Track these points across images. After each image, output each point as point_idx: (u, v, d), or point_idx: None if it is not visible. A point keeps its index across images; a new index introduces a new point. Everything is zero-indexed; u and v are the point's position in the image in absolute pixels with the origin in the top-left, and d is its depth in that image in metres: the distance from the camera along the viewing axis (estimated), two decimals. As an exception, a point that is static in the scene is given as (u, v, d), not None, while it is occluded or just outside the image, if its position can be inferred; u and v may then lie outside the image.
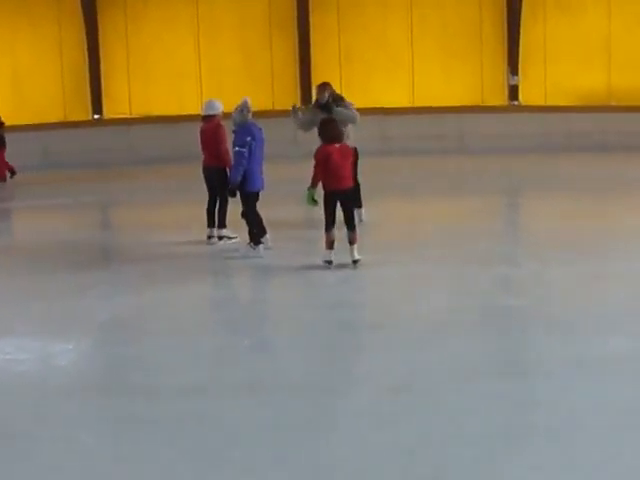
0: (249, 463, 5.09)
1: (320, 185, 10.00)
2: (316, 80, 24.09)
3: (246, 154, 10.76)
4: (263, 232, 10.91)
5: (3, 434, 5.84)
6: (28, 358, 7.54)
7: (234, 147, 10.85)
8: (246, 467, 5.05)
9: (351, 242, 9.95)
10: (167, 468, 5.11)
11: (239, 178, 10.74)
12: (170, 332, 8.03)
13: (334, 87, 13.04)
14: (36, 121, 25.01)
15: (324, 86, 12.77)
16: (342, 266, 9.91)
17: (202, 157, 12.12)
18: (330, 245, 9.94)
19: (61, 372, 7.07)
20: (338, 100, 12.58)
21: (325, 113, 11.88)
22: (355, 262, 9.91)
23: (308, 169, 10.10)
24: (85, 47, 25.33)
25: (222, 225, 11.82)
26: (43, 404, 6.34)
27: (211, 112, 12.04)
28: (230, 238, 11.70)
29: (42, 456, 5.42)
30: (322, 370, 6.83)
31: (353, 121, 12.36)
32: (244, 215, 10.96)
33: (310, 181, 10.01)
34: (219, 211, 11.81)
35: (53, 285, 10.10)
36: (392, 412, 5.78)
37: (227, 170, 11.46)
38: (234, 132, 10.99)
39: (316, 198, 10.03)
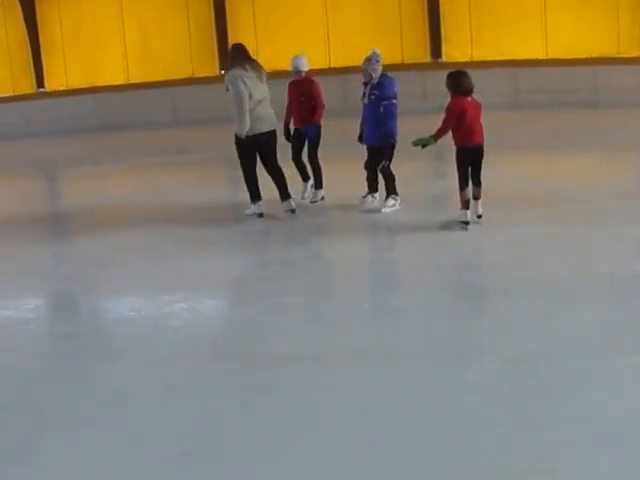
0: (360, 436, 4.89)
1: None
2: (446, 34, 23.63)
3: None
4: (395, 190, 10.79)
5: (111, 394, 5.82)
6: (142, 318, 7.53)
7: (381, 100, 10.64)
8: (358, 440, 4.85)
9: (476, 197, 9.74)
10: (277, 439, 4.96)
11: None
12: (286, 294, 7.92)
13: (241, 49, 10.99)
14: (164, 78, 25.20)
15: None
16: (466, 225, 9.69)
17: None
18: (466, 204, 9.67)
19: (173, 334, 7.00)
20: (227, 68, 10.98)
21: None
22: (479, 217, 9.73)
23: (437, 124, 9.77)
24: (211, 3, 25.34)
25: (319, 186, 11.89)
26: (152, 366, 6.30)
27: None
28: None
29: (145, 419, 5.38)
30: (442, 337, 6.54)
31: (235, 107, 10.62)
32: (382, 168, 10.79)
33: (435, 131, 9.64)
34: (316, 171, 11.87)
35: (172, 242, 10.10)
36: (512, 385, 5.48)
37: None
38: (365, 84, 10.88)
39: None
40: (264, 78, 10.93)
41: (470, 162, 9.63)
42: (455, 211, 9.81)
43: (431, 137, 9.59)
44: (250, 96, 10.59)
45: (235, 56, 10.91)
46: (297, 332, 6.87)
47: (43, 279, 9.32)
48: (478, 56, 23.35)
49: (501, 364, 5.83)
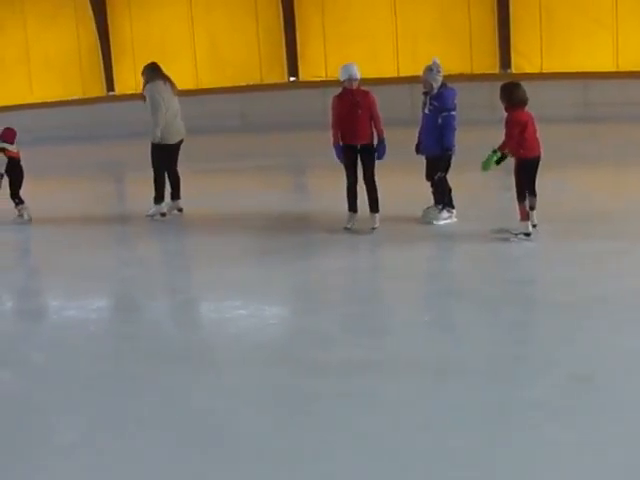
0: (421, 451, 4.81)
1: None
2: (516, 43, 23.41)
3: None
4: (451, 203, 10.68)
5: (166, 397, 5.83)
6: (202, 323, 7.54)
7: (440, 111, 10.47)
8: (417, 455, 4.76)
9: (532, 208, 9.64)
10: (331, 450, 4.89)
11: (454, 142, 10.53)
12: (347, 304, 7.87)
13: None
14: (233, 84, 25.33)
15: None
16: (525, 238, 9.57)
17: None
18: (527, 216, 9.56)
19: (233, 340, 6.99)
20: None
21: None
22: (534, 226, 9.63)
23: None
24: (280, 11, 25.41)
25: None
26: (209, 371, 6.31)
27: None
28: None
29: (196, 422, 5.37)
30: (502, 353, 6.42)
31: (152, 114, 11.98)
32: (437, 179, 10.64)
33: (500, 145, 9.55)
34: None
35: (235, 248, 10.12)
36: (573, 404, 5.33)
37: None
38: (425, 94, 10.72)
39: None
40: (176, 92, 12.46)
41: (531, 174, 9.54)
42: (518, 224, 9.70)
43: (496, 151, 9.49)
44: (167, 109, 12.01)
45: (151, 73, 12.34)
46: (358, 342, 6.81)
47: (106, 281, 9.38)
48: (548, 67, 23.14)
49: (566, 381, 5.69)
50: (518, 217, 9.62)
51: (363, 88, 10.69)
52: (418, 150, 10.89)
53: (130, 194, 16.83)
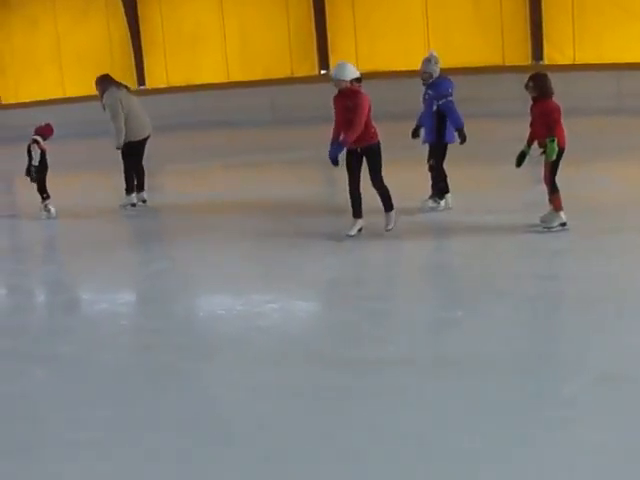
0: (449, 450, 4.75)
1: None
2: (548, 36, 23.23)
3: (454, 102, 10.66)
4: (446, 189, 10.94)
5: (196, 392, 5.84)
6: (231, 316, 7.52)
7: (438, 99, 10.70)
8: (446, 454, 4.71)
9: None
10: (356, 449, 4.86)
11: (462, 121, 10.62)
12: (377, 297, 7.84)
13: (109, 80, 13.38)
14: (264, 77, 25.33)
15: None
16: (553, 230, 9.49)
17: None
18: (561, 205, 9.46)
19: (262, 334, 6.95)
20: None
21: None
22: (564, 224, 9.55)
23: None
24: (311, 3, 25.37)
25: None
26: (237, 366, 6.28)
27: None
28: None
29: (222, 423, 5.34)
30: (531, 350, 6.35)
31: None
32: (431, 168, 10.91)
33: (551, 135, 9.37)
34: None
35: (264, 242, 10.10)
36: (603, 404, 5.22)
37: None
38: (424, 84, 10.96)
39: None
40: (131, 91, 13.80)
41: (558, 164, 9.45)
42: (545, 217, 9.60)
43: (553, 139, 9.32)
44: (128, 111, 13.04)
45: (104, 83, 13.29)
46: (388, 339, 6.76)
47: (135, 274, 9.42)
48: (580, 59, 22.94)
49: (596, 380, 5.59)
50: (552, 208, 9.52)
51: (356, 88, 9.84)
52: (414, 134, 11.11)
53: (160, 187, 16.79)
